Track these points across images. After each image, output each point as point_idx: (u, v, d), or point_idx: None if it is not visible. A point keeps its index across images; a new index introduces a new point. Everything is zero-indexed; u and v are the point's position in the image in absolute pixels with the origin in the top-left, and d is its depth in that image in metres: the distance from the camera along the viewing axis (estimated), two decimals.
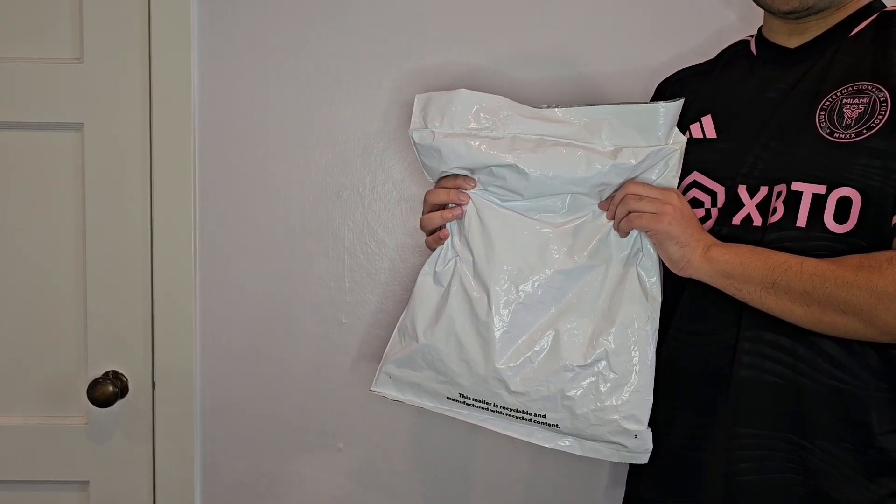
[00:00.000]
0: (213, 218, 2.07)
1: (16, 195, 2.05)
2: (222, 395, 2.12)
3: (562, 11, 2.03)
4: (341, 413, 2.12)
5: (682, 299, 1.58)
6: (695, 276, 1.46)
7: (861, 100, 1.41)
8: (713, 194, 1.55)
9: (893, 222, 1.37)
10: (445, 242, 1.55)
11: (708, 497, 1.52)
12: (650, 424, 1.53)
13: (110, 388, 2.02)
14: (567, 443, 1.58)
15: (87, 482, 2.12)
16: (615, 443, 1.53)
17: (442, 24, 2.03)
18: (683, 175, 1.56)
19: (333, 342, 2.11)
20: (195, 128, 2.05)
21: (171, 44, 2.01)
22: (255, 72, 2.05)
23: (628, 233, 1.50)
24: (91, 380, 2.04)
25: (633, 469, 1.73)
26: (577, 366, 1.49)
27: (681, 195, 1.49)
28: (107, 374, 2.07)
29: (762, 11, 1.62)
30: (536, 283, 1.51)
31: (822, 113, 1.44)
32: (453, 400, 1.58)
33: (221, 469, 2.14)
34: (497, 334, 1.50)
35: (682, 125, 1.57)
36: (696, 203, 1.57)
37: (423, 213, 1.59)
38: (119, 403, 2.06)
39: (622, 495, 1.78)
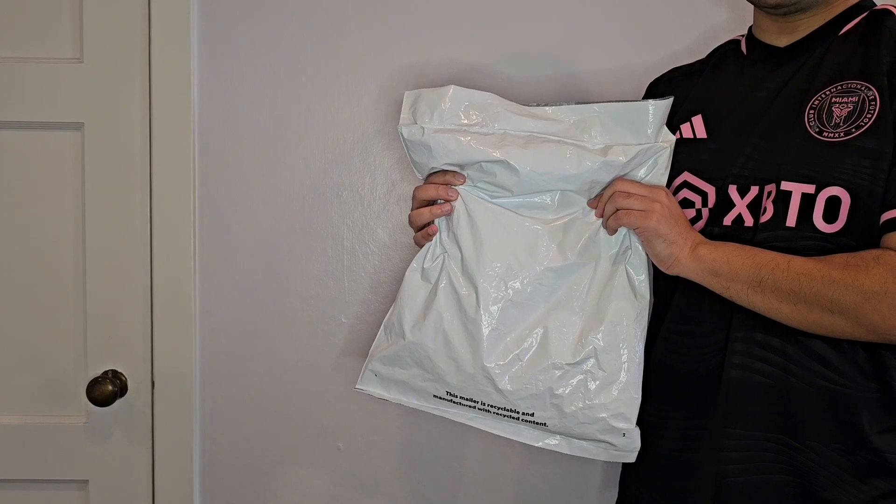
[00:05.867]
0: (213, 218, 2.08)
1: (15, 195, 2.06)
2: (221, 395, 2.12)
3: (553, 10, 2.03)
4: (340, 412, 2.12)
5: (674, 301, 1.58)
6: (682, 275, 1.46)
7: (850, 98, 1.41)
8: (704, 194, 1.55)
9: (882, 221, 1.36)
10: (434, 239, 1.55)
11: (699, 498, 1.51)
12: (642, 425, 1.53)
13: (109, 388, 2.02)
14: (555, 441, 1.58)
15: (86, 481, 2.13)
16: (603, 441, 1.53)
17: (439, 24, 2.04)
18: (674, 175, 1.57)
19: (333, 341, 2.11)
20: (195, 128, 2.05)
21: (171, 44, 2.02)
22: (254, 72, 2.06)
23: (616, 230, 1.50)
24: (90, 379, 2.04)
25: (626, 470, 1.73)
26: (566, 363, 1.49)
27: (669, 193, 1.49)
28: (106, 373, 2.07)
29: (753, 10, 1.62)
30: (526, 281, 1.51)
31: (812, 112, 1.44)
32: (440, 398, 1.57)
33: (221, 468, 2.15)
34: (485, 332, 1.49)
35: (673, 125, 1.58)
36: (686, 203, 1.57)
37: (411, 209, 1.60)
38: (118, 402, 2.07)
39: (615, 496, 1.78)
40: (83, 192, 2.04)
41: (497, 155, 1.46)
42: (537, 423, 1.53)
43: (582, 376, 1.50)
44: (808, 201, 1.40)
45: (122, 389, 2.07)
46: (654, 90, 1.80)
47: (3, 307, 2.09)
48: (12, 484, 2.13)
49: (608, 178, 1.48)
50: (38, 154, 2.05)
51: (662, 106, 1.48)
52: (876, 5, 1.52)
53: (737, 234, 1.48)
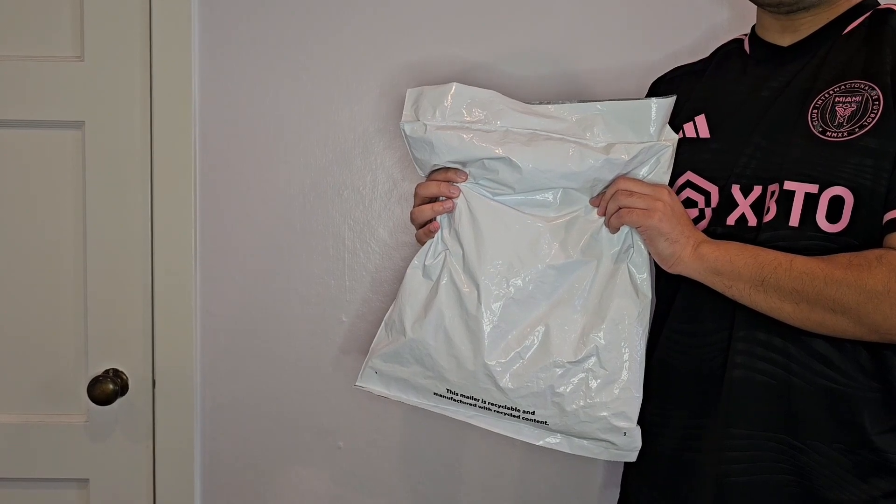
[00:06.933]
0: (214, 216, 2.08)
1: (16, 193, 2.06)
2: (222, 394, 2.12)
3: (555, 8, 2.03)
4: (341, 411, 2.12)
5: (676, 300, 1.58)
6: (685, 273, 1.46)
7: (853, 98, 1.41)
8: (707, 194, 1.55)
9: (885, 221, 1.36)
10: (435, 236, 1.55)
11: (700, 498, 1.51)
12: (643, 424, 1.53)
13: (110, 386, 2.02)
14: (556, 440, 1.57)
15: (86, 480, 2.13)
16: (604, 440, 1.53)
17: (440, 23, 2.04)
18: (677, 174, 1.57)
19: (333, 340, 2.11)
20: (196, 127, 2.05)
21: (172, 42, 2.02)
22: (255, 70, 2.06)
23: (618, 229, 1.49)
24: (91, 378, 2.04)
25: (628, 469, 1.72)
26: (568, 362, 1.49)
27: (672, 192, 1.49)
28: (107, 371, 2.08)
29: (756, 9, 1.62)
30: (527, 278, 1.50)
31: (815, 111, 1.44)
32: (440, 396, 1.57)
33: (221, 467, 2.14)
34: (487, 329, 1.49)
35: (676, 125, 1.58)
36: (689, 203, 1.56)
37: (413, 206, 1.59)
38: (119, 401, 2.07)
39: (616, 496, 1.78)
40: (84, 191, 2.04)
41: (499, 152, 1.46)
42: (538, 422, 1.53)
43: (583, 374, 1.50)
44: (811, 201, 1.40)
45: (122, 388, 2.07)
46: (657, 89, 1.79)
47: (3, 306, 2.09)
48: (13, 483, 2.13)
49: (610, 177, 1.48)
50: (38, 153, 2.05)
51: (665, 104, 1.48)
52: (879, 4, 1.52)
53: (740, 233, 1.48)
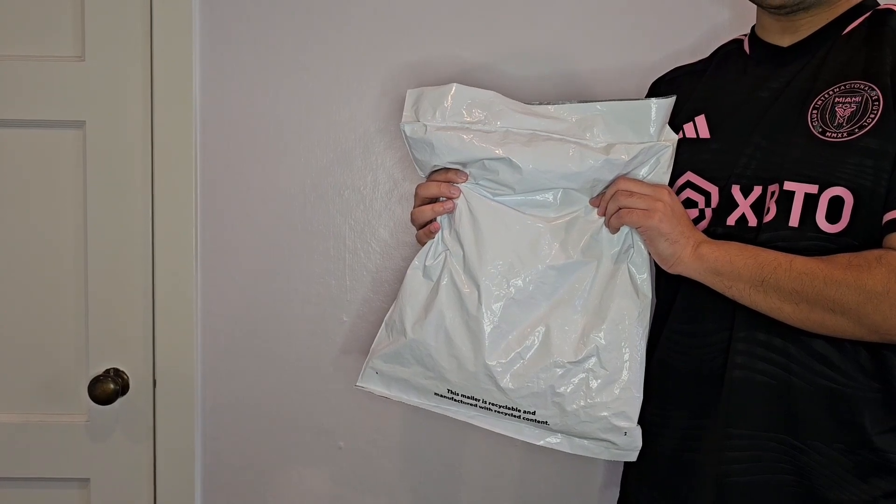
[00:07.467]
0: (215, 216, 2.08)
1: (17, 193, 2.06)
2: (223, 394, 2.12)
3: (555, 9, 2.03)
4: (341, 411, 2.12)
5: (677, 301, 1.58)
6: (685, 273, 1.46)
7: (853, 98, 1.41)
8: (707, 194, 1.55)
9: (884, 221, 1.36)
10: (436, 236, 1.55)
11: (700, 498, 1.51)
12: (643, 424, 1.53)
13: (111, 386, 2.02)
14: (556, 440, 1.57)
15: (87, 480, 2.12)
16: (605, 440, 1.53)
17: (440, 23, 2.04)
18: (677, 175, 1.57)
19: (334, 340, 2.11)
20: (196, 126, 2.05)
21: (173, 42, 2.02)
22: (256, 70, 2.06)
23: (619, 229, 1.49)
24: (92, 377, 2.05)
25: (628, 469, 1.72)
26: (568, 362, 1.49)
27: (672, 192, 1.49)
28: (107, 371, 2.08)
29: (756, 10, 1.61)
30: (528, 278, 1.51)
31: (815, 112, 1.44)
32: (441, 396, 1.57)
33: (222, 467, 2.14)
34: (487, 329, 1.49)
35: (676, 125, 1.57)
36: (690, 203, 1.56)
37: (414, 207, 1.59)
38: (120, 401, 2.07)
39: (616, 496, 1.78)
40: (85, 191, 2.04)
41: (499, 153, 1.46)
42: (539, 422, 1.53)
43: (584, 375, 1.50)
44: (811, 201, 1.40)
45: (123, 388, 2.07)
46: (657, 90, 1.79)
47: (4, 306, 2.09)
48: (14, 482, 2.12)
49: (610, 177, 1.48)
50: (39, 152, 2.05)
51: (665, 104, 1.48)
52: (879, 5, 1.52)
53: (740, 234, 1.48)
